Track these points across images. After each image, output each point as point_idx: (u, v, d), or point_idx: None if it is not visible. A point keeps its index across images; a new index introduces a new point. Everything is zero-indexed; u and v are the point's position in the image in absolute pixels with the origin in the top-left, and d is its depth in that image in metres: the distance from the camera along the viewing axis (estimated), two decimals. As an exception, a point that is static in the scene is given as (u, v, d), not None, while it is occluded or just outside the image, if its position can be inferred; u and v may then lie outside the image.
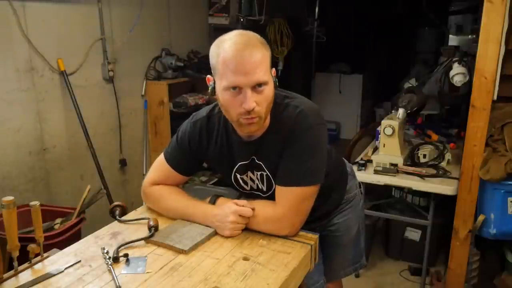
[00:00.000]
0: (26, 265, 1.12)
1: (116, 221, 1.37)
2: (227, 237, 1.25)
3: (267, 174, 1.31)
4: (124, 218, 1.39)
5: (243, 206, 1.26)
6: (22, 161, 2.32)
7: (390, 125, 2.38)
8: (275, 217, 1.25)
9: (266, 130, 1.26)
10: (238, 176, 1.37)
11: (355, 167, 2.09)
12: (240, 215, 1.25)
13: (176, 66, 3.10)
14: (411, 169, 2.38)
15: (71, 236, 2.00)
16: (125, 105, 2.96)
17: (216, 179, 3.28)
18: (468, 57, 2.48)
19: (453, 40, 3.21)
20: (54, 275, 1.09)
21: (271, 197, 1.30)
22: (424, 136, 2.92)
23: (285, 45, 4.34)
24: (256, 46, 1.15)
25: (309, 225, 1.31)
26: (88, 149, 2.58)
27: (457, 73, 2.39)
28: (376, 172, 2.39)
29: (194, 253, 1.18)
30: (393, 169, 2.39)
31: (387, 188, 2.67)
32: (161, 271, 1.10)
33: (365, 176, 2.39)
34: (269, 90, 1.18)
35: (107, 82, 2.80)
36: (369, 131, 3.38)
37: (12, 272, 1.09)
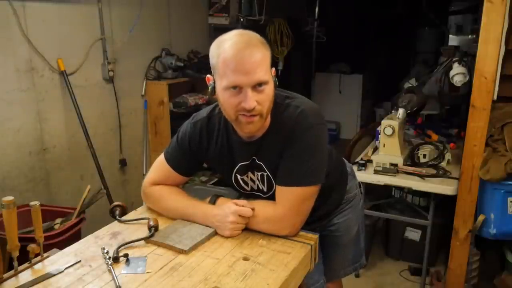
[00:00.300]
0: (26, 265, 1.12)
1: (116, 221, 1.37)
2: (227, 237, 1.25)
3: (267, 175, 1.31)
4: (124, 218, 1.39)
5: (243, 206, 1.26)
6: (22, 161, 2.32)
7: (390, 125, 2.38)
8: (275, 217, 1.25)
9: (267, 130, 1.26)
10: (239, 176, 1.37)
11: (355, 167, 2.09)
12: (240, 215, 1.25)
13: (176, 66, 3.10)
14: (411, 169, 2.38)
15: (71, 236, 2.00)
16: (125, 105, 2.96)
17: (216, 179, 3.28)
18: (468, 57, 2.48)
19: (453, 40, 3.21)
20: (54, 275, 1.09)
21: (272, 198, 1.30)
22: (424, 136, 2.92)
23: (285, 45, 4.34)
24: (256, 45, 1.15)
25: (309, 225, 1.31)
26: (88, 149, 2.58)
27: (457, 73, 2.39)
28: (376, 172, 2.39)
29: (194, 253, 1.18)
30: (393, 169, 2.39)
31: (387, 188, 2.67)
32: (161, 271, 1.10)
33: (365, 176, 2.39)
34: (269, 90, 1.18)
35: (107, 82, 2.80)
36: (369, 131, 3.38)
37: (12, 272, 1.09)
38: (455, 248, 2.27)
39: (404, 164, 2.41)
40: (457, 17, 3.57)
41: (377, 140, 2.60)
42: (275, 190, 1.29)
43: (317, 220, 1.46)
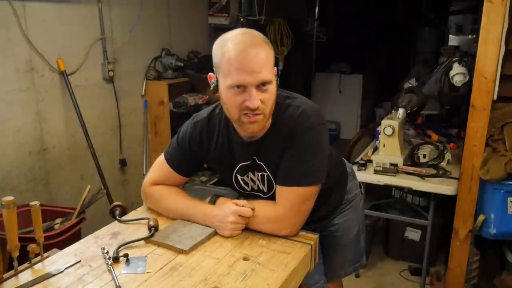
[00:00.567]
0: (26, 265, 1.12)
1: (116, 221, 1.37)
2: (227, 237, 1.25)
3: (268, 175, 1.31)
4: (124, 218, 1.39)
5: (243, 206, 1.26)
6: (22, 161, 2.32)
7: (390, 125, 2.38)
8: (275, 217, 1.24)
9: (268, 130, 1.26)
10: (239, 177, 1.37)
11: (355, 167, 2.09)
12: (240, 215, 1.25)
13: (176, 66, 3.10)
14: (411, 169, 2.38)
15: (71, 236, 2.00)
16: (125, 105, 2.96)
17: (216, 179, 3.28)
18: (468, 57, 2.48)
19: (453, 40, 3.20)
20: (54, 275, 1.09)
21: (272, 198, 1.30)
22: (424, 136, 2.92)
23: (285, 45, 4.34)
24: (260, 45, 1.15)
25: (309, 225, 1.31)
26: (88, 149, 2.58)
27: (457, 73, 2.38)
28: (376, 172, 2.39)
29: (194, 253, 1.18)
30: (393, 169, 2.39)
31: (387, 188, 2.67)
32: (161, 271, 1.10)
33: (365, 176, 2.39)
34: (273, 89, 1.18)
35: (107, 82, 2.80)
36: (369, 131, 3.37)
37: (12, 272, 1.09)
38: (455, 248, 2.27)
39: (404, 164, 2.41)
40: (457, 17, 3.57)
41: (377, 140, 2.60)
42: (275, 190, 1.29)
43: (317, 220, 1.46)
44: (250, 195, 1.40)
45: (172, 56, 3.11)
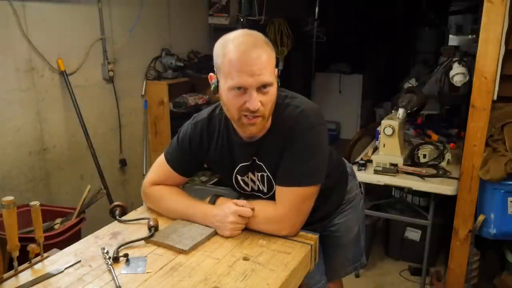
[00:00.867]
0: (26, 265, 1.12)
1: (116, 221, 1.37)
2: (227, 237, 1.25)
3: (267, 175, 1.31)
4: (124, 218, 1.39)
5: (243, 206, 1.26)
6: (22, 161, 2.32)
7: (390, 125, 2.38)
8: (275, 217, 1.24)
9: (267, 131, 1.26)
10: (239, 177, 1.37)
11: (355, 167, 2.09)
12: (240, 215, 1.25)
13: (176, 66, 3.10)
14: (411, 169, 2.38)
15: (71, 236, 2.00)
16: (125, 105, 2.96)
17: (216, 179, 3.28)
18: (468, 57, 2.48)
19: (453, 40, 3.20)
20: (54, 275, 1.09)
21: (272, 198, 1.30)
22: (424, 136, 2.92)
23: (285, 45, 4.34)
24: (262, 47, 1.15)
25: (310, 226, 1.31)
26: (88, 149, 2.58)
27: (457, 73, 2.38)
28: (376, 172, 2.39)
29: (194, 253, 1.18)
30: (393, 169, 2.39)
31: (387, 188, 2.67)
32: (161, 271, 1.10)
33: (365, 176, 2.39)
34: (273, 91, 1.18)
35: (107, 82, 2.80)
36: (369, 131, 3.37)
37: (12, 272, 1.09)
38: (455, 248, 2.27)
39: (404, 164, 2.41)
40: (457, 17, 3.57)
41: (377, 140, 2.60)
42: (275, 190, 1.29)
43: (317, 220, 1.46)
44: (250, 196, 1.40)
45: (172, 56, 3.11)
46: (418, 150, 2.53)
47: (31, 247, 1.10)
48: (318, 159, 1.24)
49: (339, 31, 5.97)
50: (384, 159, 2.43)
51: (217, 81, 1.21)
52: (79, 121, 2.53)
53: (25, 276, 1.09)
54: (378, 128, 2.57)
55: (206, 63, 3.18)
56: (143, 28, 2.99)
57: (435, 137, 2.85)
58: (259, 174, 1.33)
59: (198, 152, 1.36)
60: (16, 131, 2.28)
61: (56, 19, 2.42)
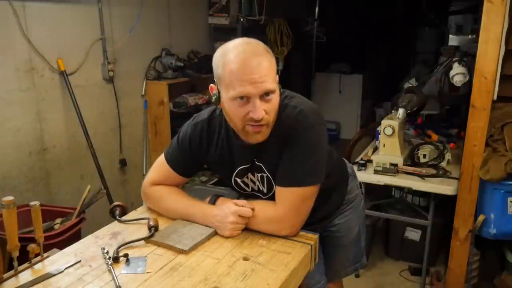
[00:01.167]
0: (26, 265, 1.12)
1: (116, 221, 1.37)
2: (227, 237, 1.25)
3: (267, 176, 1.31)
4: (124, 218, 1.39)
5: (242, 206, 1.26)
6: (22, 161, 2.32)
7: (390, 125, 2.38)
8: (275, 218, 1.24)
9: (267, 132, 1.26)
10: (238, 180, 1.37)
11: (355, 167, 2.09)
12: (240, 215, 1.25)
13: (176, 66, 3.10)
14: (411, 169, 2.38)
15: (71, 236, 2.00)
16: (125, 105, 2.96)
17: (216, 179, 3.28)
18: (468, 57, 2.48)
19: (453, 40, 3.21)
20: (54, 275, 1.09)
21: (272, 199, 1.30)
22: (424, 136, 2.92)
23: (285, 45, 4.34)
24: (262, 54, 1.15)
25: (310, 226, 1.31)
26: (88, 149, 2.58)
27: (457, 73, 2.38)
28: (376, 172, 2.39)
29: (194, 253, 1.18)
30: (393, 169, 2.39)
31: (387, 188, 2.67)
32: (161, 271, 1.10)
33: (365, 176, 2.39)
34: (276, 98, 1.18)
35: (107, 82, 2.80)
36: (369, 131, 3.37)
37: (12, 272, 1.09)
38: (455, 248, 2.27)
39: (404, 164, 2.41)
40: (457, 17, 3.57)
41: (377, 140, 2.60)
42: (275, 191, 1.29)
43: (318, 221, 1.46)
44: (250, 196, 1.40)
45: (172, 56, 3.11)
46: (418, 150, 2.53)
47: (31, 247, 1.10)
48: (317, 159, 1.24)
49: (339, 31, 5.97)
50: (384, 159, 2.43)
51: (218, 92, 1.20)
52: (79, 121, 2.53)
53: (25, 276, 1.09)
54: (378, 128, 2.57)
55: (206, 63, 3.17)
56: (143, 28, 2.99)
57: (435, 137, 2.85)
58: (259, 175, 1.33)
59: (198, 153, 1.36)
60: (16, 131, 2.28)
61: (56, 19, 2.42)
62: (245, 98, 1.14)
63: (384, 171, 2.39)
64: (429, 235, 2.43)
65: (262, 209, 1.27)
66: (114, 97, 2.85)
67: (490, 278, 2.39)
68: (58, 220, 2.18)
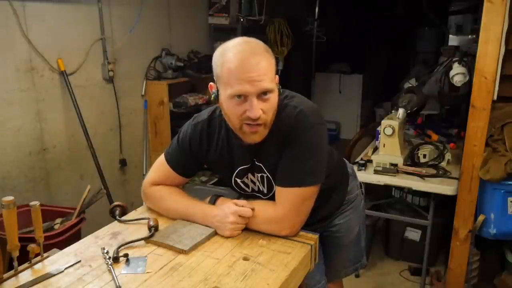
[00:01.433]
0: (26, 265, 1.12)
1: (116, 221, 1.37)
2: (227, 237, 1.25)
3: (267, 176, 1.31)
4: (124, 218, 1.39)
5: (242, 206, 1.26)
6: (22, 161, 2.32)
7: (390, 125, 2.38)
8: (275, 218, 1.24)
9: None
10: (238, 180, 1.37)
11: (355, 167, 2.09)
12: (240, 215, 1.25)
13: (176, 66, 3.10)
14: (411, 169, 2.38)
15: (71, 236, 2.00)
16: (125, 105, 2.96)
17: (216, 179, 3.28)
18: (468, 57, 2.48)
19: (453, 40, 3.21)
20: (54, 275, 1.09)
21: (272, 199, 1.30)
22: (424, 136, 2.92)
23: (285, 45, 4.34)
24: (261, 54, 1.15)
25: (310, 226, 1.31)
26: (88, 149, 2.58)
27: (457, 73, 2.38)
28: (376, 172, 2.39)
29: (194, 253, 1.18)
30: (393, 169, 2.39)
31: (387, 188, 2.67)
32: (161, 271, 1.10)
33: (365, 176, 2.39)
34: (274, 98, 1.18)
35: (107, 82, 2.80)
36: (369, 131, 3.37)
37: (12, 272, 1.09)
38: (455, 248, 2.27)
39: (404, 164, 2.41)
40: (457, 17, 3.57)
41: (377, 140, 2.60)
42: (275, 191, 1.29)
43: (318, 221, 1.46)
44: (250, 196, 1.40)
45: (172, 56, 3.11)
46: (418, 150, 2.53)
47: (31, 247, 1.10)
48: (317, 159, 1.24)
49: (339, 31, 5.98)
50: (384, 159, 2.43)
51: (217, 91, 1.21)
52: (79, 121, 2.53)
53: (25, 276, 1.09)
54: (378, 128, 2.57)
55: (206, 63, 3.17)
56: (143, 28, 2.99)
57: (435, 137, 2.85)
58: (259, 175, 1.33)
59: (198, 153, 1.36)
60: (16, 131, 2.28)
61: (56, 19, 2.42)
62: (242, 97, 1.14)
63: (384, 171, 2.39)
64: (429, 235, 2.43)
65: (262, 209, 1.27)
66: (114, 97, 2.85)
67: (490, 278, 2.39)
68: (58, 220, 2.18)
